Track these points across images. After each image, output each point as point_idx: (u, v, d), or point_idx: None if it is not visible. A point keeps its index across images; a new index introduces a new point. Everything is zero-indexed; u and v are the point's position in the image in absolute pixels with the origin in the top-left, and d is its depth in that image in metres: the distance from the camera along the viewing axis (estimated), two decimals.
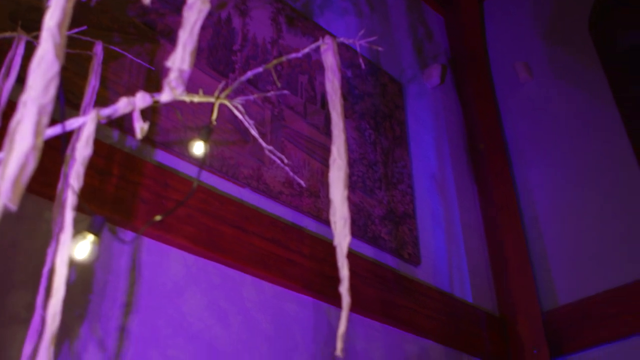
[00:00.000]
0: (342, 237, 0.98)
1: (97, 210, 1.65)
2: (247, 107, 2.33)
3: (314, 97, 2.69)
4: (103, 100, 1.84)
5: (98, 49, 1.50)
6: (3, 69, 1.36)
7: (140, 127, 0.91)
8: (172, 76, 0.79)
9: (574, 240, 3.06)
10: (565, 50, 3.56)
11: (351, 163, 2.68)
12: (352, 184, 2.62)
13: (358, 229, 2.51)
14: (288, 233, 2.18)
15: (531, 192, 3.35)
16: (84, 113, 1.36)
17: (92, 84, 1.43)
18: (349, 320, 2.27)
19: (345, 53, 3.00)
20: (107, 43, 1.63)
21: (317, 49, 1.22)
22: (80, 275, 1.62)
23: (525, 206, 3.34)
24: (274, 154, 1.85)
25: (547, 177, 3.32)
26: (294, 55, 1.21)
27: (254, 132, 1.34)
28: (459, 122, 3.65)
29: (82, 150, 0.92)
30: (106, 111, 0.91)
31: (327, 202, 2.41)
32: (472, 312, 2.81)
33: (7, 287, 1.48)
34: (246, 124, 1.29)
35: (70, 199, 0.94)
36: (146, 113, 1.99)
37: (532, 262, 3.14)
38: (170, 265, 1.85)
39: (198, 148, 1.36)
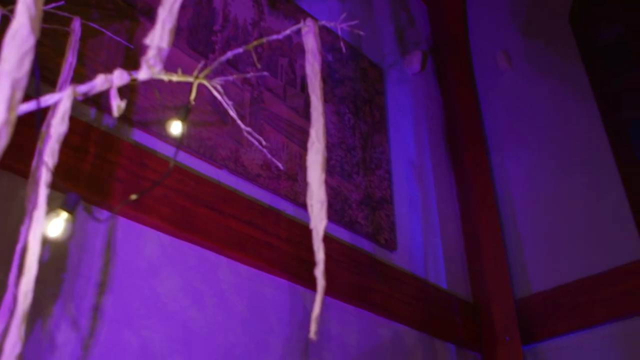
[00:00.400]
0: (318, 220, 0.98)
1: (72, 189, 1.63)
2: (226, 89, 2.31)
3: (294, 80, 2.68)
4: (80, 77, 1.81)
5: (76, 25, 1.47)
6: None
7: (118, 104, 0.90)
8: (151, 54, 0.78)
9: (549, 229, 3.10)
10: (545, 42, 3.58)
11: (330, 147, 2.68)
12: (330, 168, 2.62)
13: (335, 213, 2.51)
14: (265, 216, 2.17)
15: (508, 181, 3.38)
16: (60, 90, 1.34)
17: (69, 60, 1.41)
18: (324, 304, 2.28)
19: (327, 37, 2.98)
20: (85, 19, 1.60)
21: (299, 32, 1.22)
22: (54, 254, 1.60)
23: (502, 195, 3.37)
24: (252, 136, 1.84)
25: (524, 167, 3.35)
26: (274, 36, 1.20)
27: (232, 114, 1.34)
28: (439, 110, 3.66)
29: (57, 127, 0.91)
30: (83, 88, 0.90)
31: (304, 185, 2.41)
32: (446, 298, 2.84)
33: None
34: (225, 105, 1.29)
35: (45, 176, 0.93)
36: (124, 92, 1.97)
37: (507, 250, 3.18)
38: (145, 246, 1.84)
39: (175, 128, 1.35)
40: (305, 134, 2.54)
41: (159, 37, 0.79)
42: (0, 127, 0.60)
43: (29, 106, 0.79)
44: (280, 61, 2.66)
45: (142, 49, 2.08)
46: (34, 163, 1.22)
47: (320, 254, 0.95)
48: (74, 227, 1.67)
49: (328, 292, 2.27)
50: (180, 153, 2.07)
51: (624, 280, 2.70)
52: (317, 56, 1.13)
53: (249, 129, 1.50)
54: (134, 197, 1.75)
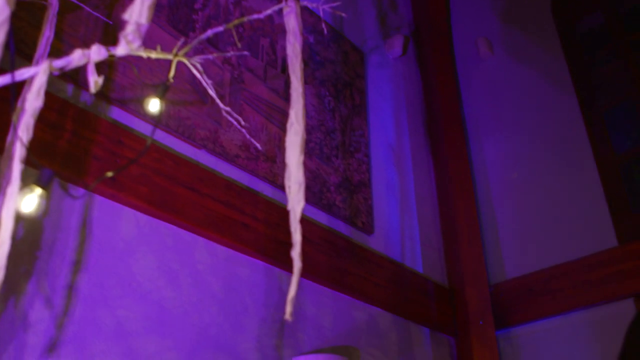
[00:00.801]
0: (296, 201, 0.98)
1: (48, 166, 1.61)
2: (206, 68, 2.29)
3: (275, 61, 2.66)
4: (57, 52, 1.78)
5: None
6: None
7: (95, 80, 0.89)
8: (129, 29, 0.77)
9: (525, 216, 3.13)
10: (527, 31, 3.59)
11: (309, 129, 2.67)
12: (309, 151, 2.62)
13: (313, 195, 2.52)
14: (243, 197, 2.17)
15: (485, 167, 3.40)
16: (37, 64, 1.32)
17: (46, 34, 1.39)
18: (300, 286, 2.28)
19: (309, 18, 2.97)
20: None
21: (280, 12, 1.21)
22: (28, 231, 1.59)
23: (480, 180, 3.39)
24: (231, 115, 1.83)
25: (502, 153, 3.37)
26: (256, 15, 1.19)
27: (212, 93, 1.33)
28: (419, 94, 3.67)
29: (32, 101, 0.89)
30: (59, 62, 0.88)
31: (283, 167, 2.41)
32: (422, 282, 2.86)
33: None
34: (204, 84, 1.27)
35: (19, 152, 0.92)
36: (102, 69, 1.94)
37: (483, 236, 3.21)
38: (122, 225, 1.82)
39: (153, 105, 1.34)
40: (285, 116, 2.53)
41: (137, 13, 0.78)
42: None
43: (3, 80, 0.78)
44: (261, 41, 2.64)
45: (121, 25, 2.05)
46: (8, 138, 1.20)
47: (297, 236, 0.96)
48: (49, 205, 1.65)
49: (304, 274, 2.27)
50: (159, 132, 2.05)
51: (596, 268, 2.74)
52: (298, 37, 1.12)
53: (228, 108, 1.49)
54: (110, 174, 1.73)
